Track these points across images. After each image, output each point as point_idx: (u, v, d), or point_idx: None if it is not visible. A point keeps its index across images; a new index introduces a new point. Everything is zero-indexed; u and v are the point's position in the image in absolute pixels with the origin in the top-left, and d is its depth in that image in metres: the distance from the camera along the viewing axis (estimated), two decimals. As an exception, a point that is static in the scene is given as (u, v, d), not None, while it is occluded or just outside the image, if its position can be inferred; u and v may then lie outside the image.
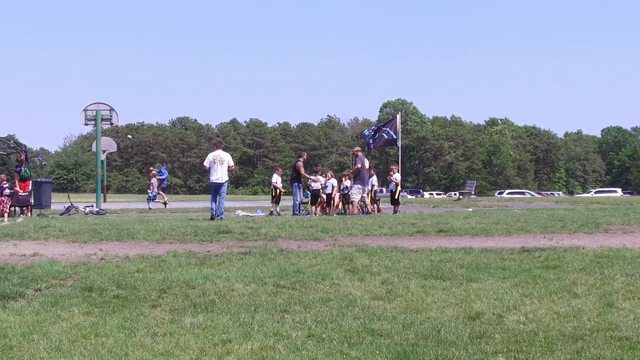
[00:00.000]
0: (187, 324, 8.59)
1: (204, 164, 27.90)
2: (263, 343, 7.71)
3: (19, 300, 10.16)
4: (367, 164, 31.44)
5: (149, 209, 41.25)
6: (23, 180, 32.84)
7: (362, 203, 31.61)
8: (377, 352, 7.39)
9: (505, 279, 11.58)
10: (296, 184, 31.94)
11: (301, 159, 32.27)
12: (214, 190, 27.41)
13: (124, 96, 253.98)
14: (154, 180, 44.88)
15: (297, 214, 30.80)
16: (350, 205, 31.49)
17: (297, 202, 31.87)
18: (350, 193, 31.76)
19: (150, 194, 44.53)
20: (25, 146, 36.28)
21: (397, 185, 33.76)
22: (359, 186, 31.12)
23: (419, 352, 7.36)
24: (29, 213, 32.71)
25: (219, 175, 27.15)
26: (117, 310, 9.38)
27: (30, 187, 32.82)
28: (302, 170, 32.11)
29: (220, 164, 27.15)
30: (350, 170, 33.46)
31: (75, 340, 7.88)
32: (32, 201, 33.02)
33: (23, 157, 34.34)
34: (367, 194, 32.50)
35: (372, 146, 40.43)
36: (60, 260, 14.07)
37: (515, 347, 7.52)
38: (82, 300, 10.04)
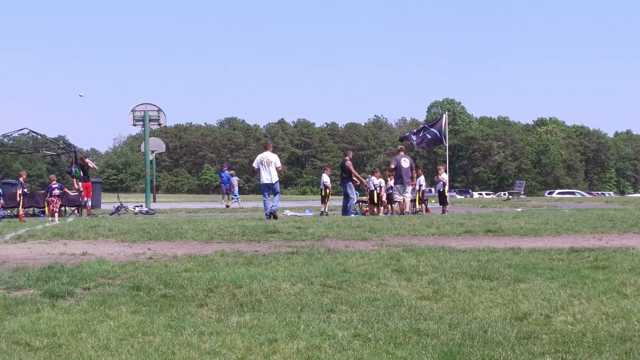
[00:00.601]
0: (233, 323, 8.62)
1: (253, 164, 28.55)
2: (309, 342, 7.72)
3: (67, 299, 10.26)
4: (406, 164, 31.08)
5: (241, 207, 42.00)
6: (84, 180, 33.00)
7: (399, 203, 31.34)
8: (423, 351, 7.36)
9: (554, 280, 11.50)
10: (349, 183, 31.70)
11: (347, 157, 32.08)
12: (265, 190, 27.80)
13: (172, 97, 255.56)
14: (234, 180, 45.44)
15: (351, 214, 30.65)
16: (393, 205, 31.27)
17: (352, 202, 31.68)
18: (392, 193, 31.57)
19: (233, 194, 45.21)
20: (74, 147, 36.58)
21: (444, 185, 33.57)
22: (397, 186, 30.97)
23: (466, 352, 7.33)
24: (80, 212, 32.90)
25: (268, 176, 27.52)
26: (165, 310, 9.44)
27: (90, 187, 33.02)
28: (353, 169, 31.91)
29: (267, 165, 27.57)
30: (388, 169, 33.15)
31: (122, 338, 7.94)
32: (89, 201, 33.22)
33: (73, 157, 34.63)
34: (415, 193, 32.34)
35: (415, 143, 40.36)
36: (109, 259, 14.21)
37: (562, 347, 7.46)
38: (130, 299, 10.11)
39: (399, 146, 34.66)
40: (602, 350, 7.36)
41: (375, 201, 32.15)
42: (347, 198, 31.41)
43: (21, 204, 30.96)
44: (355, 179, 31.85)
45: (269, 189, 27.66)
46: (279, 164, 27.97)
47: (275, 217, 26.79)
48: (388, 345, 7.64)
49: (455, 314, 9.07)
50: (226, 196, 48.01)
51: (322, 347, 7.53)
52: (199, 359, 7.16)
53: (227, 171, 49.29)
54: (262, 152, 28.48)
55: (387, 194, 32.43)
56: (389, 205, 32.02)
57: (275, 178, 27.70)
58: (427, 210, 34.23)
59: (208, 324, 8.61)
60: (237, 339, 7.85)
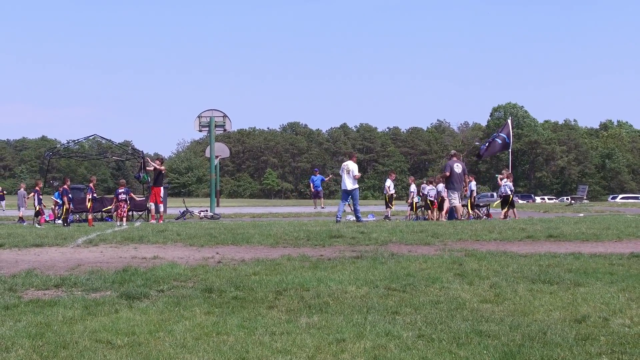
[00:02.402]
0: (302, 324, 9.01)
1: (339, 171, 30.61)
2: (375, 342, 8.07)
3: (143, 301, 10.72)
4: (459, 169, 31.11)
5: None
6: (156, 185, 33.09)
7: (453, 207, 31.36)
8: (485, 352, 7.69)
9: (613, 284, 11.73)
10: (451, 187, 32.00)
11: (456, 160, 31.99)
12: (344, 196, 30.18)
13: (235, 102, 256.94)
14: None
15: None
16: (455, 210, 31.30)
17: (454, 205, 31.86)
18: (448, 199, 31.63)
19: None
20: (142, 152, 37.20)
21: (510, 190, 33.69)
22: (451, 191, 31.07)
23: (525, 352, 7.63)
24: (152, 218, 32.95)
25: (346, 183, 29.47)
26: (236, 311, 9.84)
27: (161, 192, 33.03)
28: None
29: (346, 173, 29.48)
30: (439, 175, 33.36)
31: (198, 338, 8.36)
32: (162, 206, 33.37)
33: (141, 163, 35.15)
34: (467, 198, 32.36)
35: (482, 154, 40.49)
36: (179, 263, 14.68)
37: (619, 349, 7.74)
38: (203, 301, 10.55)
39: (453, 151, 34.81)
40: (658, 351, 7.64)
41: (430, 207, 32.50)
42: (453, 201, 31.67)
43: (90, 208, 31.63)
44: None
45: (347, 194, 29.76)
46: (356, 173, 29.60)
47: (359, 221, 28.61)
48: (451, 345, 7.97)
49: (515, 317, 9.37)
50: (318, 200, 48.13)
51: (387, 347, 7.88)
52: (272, 357, 7.53)
53: (318, 175, 49.52)
54: (346, 161, 30.32)
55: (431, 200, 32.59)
56: (435, 210, 32.15)
57: (351, 185, 29.56)
58: (488, 215, 34.19)
59: (278, 324, 9.00)
60: (307, 339, 8.23)
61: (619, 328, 8.68)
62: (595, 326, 8.80)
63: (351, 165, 29.63)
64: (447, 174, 30.97)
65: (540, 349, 7.73)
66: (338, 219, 28.63)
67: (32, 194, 32.81)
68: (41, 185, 32.29)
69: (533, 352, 7.64)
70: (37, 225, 29.49)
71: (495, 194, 62.44)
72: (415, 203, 35.59)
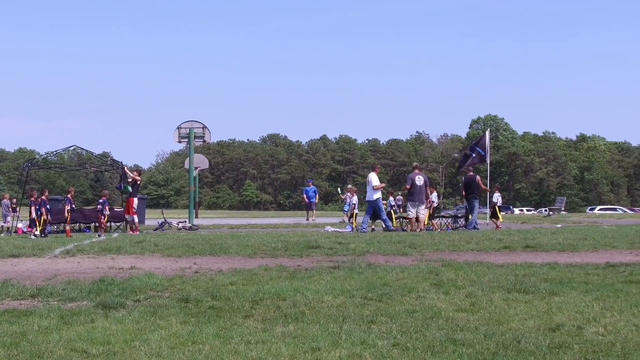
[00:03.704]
0: (278, 332, 9.04)
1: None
2: (350, 351, 8.11)
3: (119, 310, 10.73)
4: (420, 182, 31.21)
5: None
6: (131, 196, 32.93)
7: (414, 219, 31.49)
8: (459, 359, 7.74)
9: (588, 293, 11.81)
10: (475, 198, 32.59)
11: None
12: (369, 208, 31.24)
13: (214, 114, 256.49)
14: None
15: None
16: (409, 223, 31.51)
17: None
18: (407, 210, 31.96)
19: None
20: (121, 162, 37.09)
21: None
22: (410, 203, 31.24)
23: (499, 360, 7.70)
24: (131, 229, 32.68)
25: (367, 194, 30.84)
26: (213, 320, 9.87)
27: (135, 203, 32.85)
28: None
29: (367, 184, 30.93)
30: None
31: (173, 347, 8.37)
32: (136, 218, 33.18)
33: (121, 173, 35.02)
34: (427, 210, 32.42)
35: (460, 167, 40.76)
36: (156, 273, 14.66)
37: (592, 356, 7.81)
38: (179, 311, 10.57)
39: (415, 163, 35.23)
40: (630, 358, 7.71)
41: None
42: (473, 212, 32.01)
43: (69, 219, 31.55)
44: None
45: (370, 205, 30.84)
46: (374, 183, 30.72)
47: (388, 230, 29.96)
48: (425, 353, 8.02)
49: (490, 325, 9.43)
50: (311, 212, 47.97)
51: (363, 355, 7.92)
52: (247, 365, 7.57)
53: (312, 185, 49.38)
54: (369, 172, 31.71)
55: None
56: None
57: (371, 196, 30.81)
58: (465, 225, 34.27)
59: (254, 333, 9.03)
60: (282, 348, 8.26)
61: (593, 336, 8.74)
62: (569, 335, 8.87)
63: (370, 177, 30.90)
64: (408, 186, 31.17)
65: (514, 357, 7.79)
66: (363, 229, 30.03)
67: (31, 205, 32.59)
68: (35, 195, 32.05)
69: (507, 359, 7.69)
70: (32, 236, 29.30)
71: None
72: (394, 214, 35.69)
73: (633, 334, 8.83)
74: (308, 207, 48.26)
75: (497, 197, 34.58)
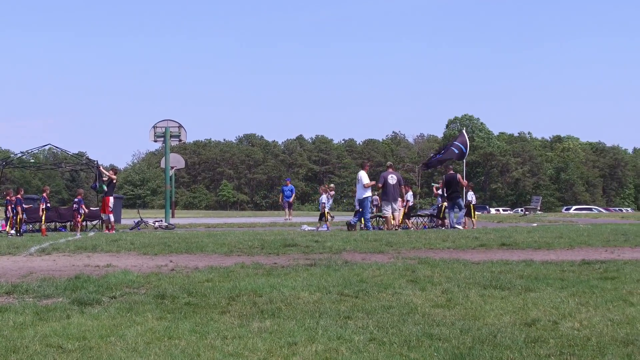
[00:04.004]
0: (255, 328, 9.03)
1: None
2: (327, 346, 8.12)
3: (95, 307, 10.71)
4: (393, 180, 31.24)
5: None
6: (106, 195, 32.74)
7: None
8: (435, 354, 7.76)
9: (563, 289, 11.88)
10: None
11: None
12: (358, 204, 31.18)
13: (191, 113, 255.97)
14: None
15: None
16: (386, 221, 31.62)
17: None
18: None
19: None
20: (97, 161, 36.90)
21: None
22: (383, 202, 31.33)
23: (475, 354, 7.71)
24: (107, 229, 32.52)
25: (357, 192, 31.24)
26: (189, 316, 9.86)
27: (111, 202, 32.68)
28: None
29: (357, 182, 31.01)
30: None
31: (149, 342, 8.36)
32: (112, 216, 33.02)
33: (96, 173, 34.85)
34: (401, 209, 32.46)
35: (430, 162, 40.75)
36: (132, 270, 14.62)
37: (568, 350, 7.84)
38: (155, 307, 10.55)
39: (388, 163, 35.25)
40: (605, 352, 7.75)
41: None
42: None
43: (44, 218, 31.43)
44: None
45: (359, 203, 30.83)
46: (364, 181, 30.68)
47: (367, 229, 30.13)
48: (402, 348, 8.04)
49: (466, 321, 9.47)
50: (288, 211, 47.81)
51: (339, 350, 7.93)
52: (223, 360, 7.56)
53: (289, 185, 49.26)
54: (359, 171, 31.87)
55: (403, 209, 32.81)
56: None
57: (360, 194, 30.80)
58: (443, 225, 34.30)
59: (230, 329, 9.02)
60: (259, 343, 8.26)
61: (569, 331, 8.79)
62: (545, 329, 8.91)
63: (360, 174, 31.00)
64: (380, 185, 31.24)
65: (490, 351, 7.81)
66: (368, 228, 30.37)
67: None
68: (12, 194, 31.77)
69: (483, 354, 7.72)
70: (8, 235, 29.17)
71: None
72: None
73: (608, 329, 8.88)
74: (285, 206, 48.18)
75: (472, 196, 34.62)
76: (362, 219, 30.96)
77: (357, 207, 31.26)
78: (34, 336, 8.63)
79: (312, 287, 12.11)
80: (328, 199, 35.25)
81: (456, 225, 31.13)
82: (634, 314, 9.77)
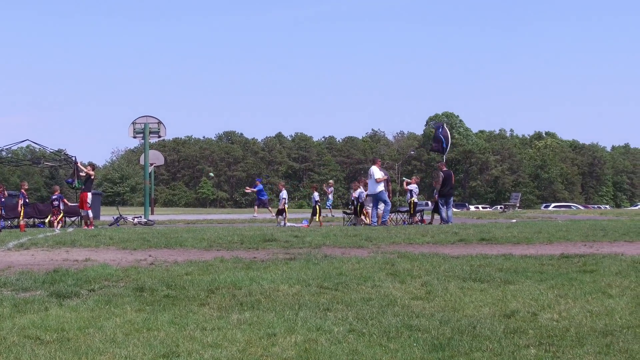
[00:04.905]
0: (234, 320, 9.03)
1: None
2: (306, 336, 8.13)
3: (74, 299, 10.68)
4: (375, 174, 31.41)
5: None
6: (84, 190, 32.55)
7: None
8: (415, 344, 7.78)
9: (542, 282, 11.92)
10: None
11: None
12: (372, 201, 31.24)
13: (170, 111, 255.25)
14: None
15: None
16: (367, 216, 31.78)
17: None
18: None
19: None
20: (75, 157, 36.72)
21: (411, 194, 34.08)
22: (370, 197, 31.42)
23: (454, 345, 7.74)
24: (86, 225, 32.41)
25: (369, 187, 31.25)
26: (168, 308, 9.85)
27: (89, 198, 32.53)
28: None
29: (369, 178, 31.00)
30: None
31: (128, 333, 8.35)
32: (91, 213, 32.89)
33: (74, 168, 34.72)
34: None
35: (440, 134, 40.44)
36: (111, 264, 14.57)
37: (547, 341, 7.88)
38: (134, 299, 10.53)
39: (374, 157, 35.43)
40: (584, 343, 7.79)
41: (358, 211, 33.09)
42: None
43: (22, 214, 31.29)
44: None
45: (374, 199, 30.94)
46: (377, 176, 30.68)
47: (383, 224, 30.24)
48: (381, 339, 8.05)
49: (446, 312, 9.50)
50: (265, 209, 47.95)
51: (318, 341, 7.94)
52: (202, 351, 7.53)
53: (260, 184, 49.36)
54: (370, 166, 31.82)
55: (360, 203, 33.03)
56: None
57: (372, 189, 30.83)
58: (423, 221, 34.37)
59: (210, 320, 9.02)
60: (238, 334, 8.26)
61: (548, 322, 8.83)
62: (524, 320, 8.96)
63: (373, 170, 30.80)
64: (367, 180, 31.42)
65: (469, 342, 7.84)
66: (374, 224, 30.08)
67: None
68: (2, 189, 31.59)
69: (462, 344, 7.76)
70: None
71: (430, 202, 62.48)
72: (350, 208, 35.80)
73: (587, 320, 8.93)
74: (262, 204, 48.23)
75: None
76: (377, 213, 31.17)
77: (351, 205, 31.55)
78: (12, 328, 8.62)
79: (291, 280, 12.11)
80: (327, 195, 35.50)
81: (451, 221, 31.31)
82: (612, 305, 9.82)
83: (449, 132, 38.26)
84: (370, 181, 30.99)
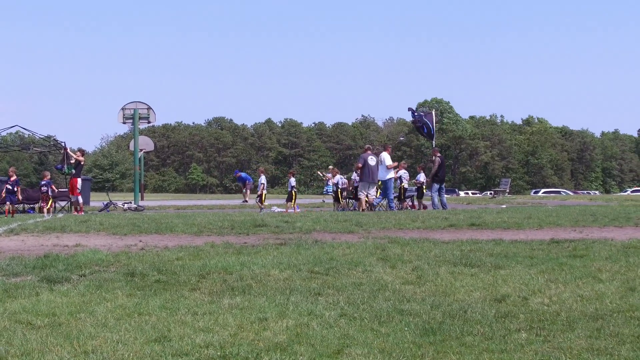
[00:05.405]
0: (225, 304, 9.03)
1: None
2: (298, 321, 8.13)
3: (64, 284, 10.67)
4: (373, 162, 31.42)
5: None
6: (74, 176, 32.50)
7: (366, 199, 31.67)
8: (406, 328, 7.78)
9: (533, 267, 11.94)
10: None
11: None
12: (384, 187, 32.39)
13: (160, 97, 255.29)
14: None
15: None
16: (358, 202, 31.84)
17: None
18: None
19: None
20: (64, 143, 36.62)
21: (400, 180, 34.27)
22: (363, 183, 31.41)
23: (446, 329, 7.75)
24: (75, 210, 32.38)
25: (380, 173, 31.79)
26: (159, 293, 9.84)
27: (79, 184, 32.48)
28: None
29: (380, 164, 31.83)
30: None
31: (119, 318, 8.33)
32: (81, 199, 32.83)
33: (63, 154, 34.62)
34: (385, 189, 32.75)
35: (415, 118, 40.51)
36: (102, 249, 14.56)
37: (538, 325, 7.89)
38: (125, 284, 10.52)
39: (367, 145, 35.52)
40: (575, 327, 7.79)
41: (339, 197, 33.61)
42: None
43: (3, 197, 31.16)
44: None
45: (384, 184, 31.85)
46: (387, 162, 31.69)
47: (391, 209, 31.12)
48: (372, 323, 8.06)
49: (437, 297, 9.51)
50: (245, 193, 47.94)
51: (310, 325, 7.94)
52: (194, 335, 7.52)
53: (241, 174, 49.42)
54: (381, 152, 32.61)
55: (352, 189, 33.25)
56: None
57: (384, 175, 31.78)
58: (412, 206, 34.44)
59: (201, 305, 9.02)
60: (229, 318, 8.25)
61: (538, 306, 8.85)
62: (515, 305, 8.97)
63: (384, 156, 31.53)
64: (360, 165, 31.47)
65: (460, 326, 7.85)
66: (392, 208, 31.19)
67: None
68: None
69: (453, 328, 7.76)
70: None
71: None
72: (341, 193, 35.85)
73: (577, 304, 8.95)
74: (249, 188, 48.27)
75: (423, 177, 34.61)
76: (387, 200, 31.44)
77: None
78: (3, 313, 8.60)
79: (282, 265, 12.11)
80: (327, 181, 35.75)
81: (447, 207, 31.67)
82: (603, 290, 9.84)
83: (433, 117, 38.36)
84: (381, 167, 31.34)
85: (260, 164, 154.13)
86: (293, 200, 34.82)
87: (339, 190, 34.96)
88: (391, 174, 31.08)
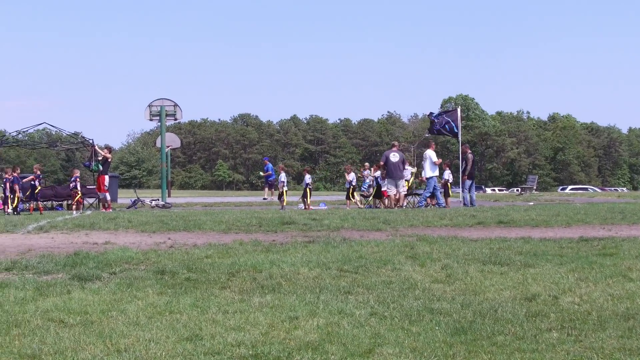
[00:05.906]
0: (255, 303, 9.06)
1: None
2: (328, 320, 8.14)
3: (95, 282, 10.75)
4: (395, 158, 31.26)
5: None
6: (102, 173, 32.59)
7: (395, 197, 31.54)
8: (437, 327, 7.78)
9: (562, 265, 11.92)
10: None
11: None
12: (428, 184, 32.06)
13: (186, 93, 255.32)
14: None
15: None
16: (387, 200, 31.68)
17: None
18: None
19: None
20: (92, 140, 36.75)
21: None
22: (388, 180, 31.30)
23: (476, 328, 7.74)
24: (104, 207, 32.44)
25: (425, 170, 31.94)
26: (189, 291, 9.89)
27: (106, 181, 32.57)
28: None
29: (425, 161, 32.23)
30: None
31: (151, 316, 8.38)
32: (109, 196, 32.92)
33: (91, 151, 34.73)
34: (410, 187, 32.85)
35: (435, 127, 40.37)
36: (131, 247, 14.63)
37: (569, 324, 7.88)
38: (156, 282, 10.58)
39: (393, 142, 35.53)
40: (606, 327, 7.77)
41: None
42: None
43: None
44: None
45: (428, 181, 31.74)
46: (433, 159, 31.79)
47: (439, 206, 31.01)
48: (403, 322, 8.06)
49: (467, 296, 9.51)
50: (268, 190, 47.62)
51: (340, 324, 7.95)
52: (225, 334, 7.55)
53: (268, 163, 48.99)
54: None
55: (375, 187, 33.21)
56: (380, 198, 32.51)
57: (430, 173, 31.67)
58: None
59: (232, 303, 9.06)
60: (260, 317, 8.28)
61: (569, 306, 8.83)
62: (545, 304, 8.96)
63: (430, 153, 31.74)
64: (382, 163, 31.45)
65: (491, 325, 7.84)
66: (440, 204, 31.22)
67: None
68: (10, 172, 31.58)
69: (484, 327, 7.75)
70: (5, 213, 29.10)
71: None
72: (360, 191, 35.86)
73: (608, 304, 8.93)
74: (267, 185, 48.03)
75: (449, 175, 34.46)
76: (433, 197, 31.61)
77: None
78: (35, 311, 8.67)
79: (311, 263, 12.15)
80: (364, 179, 35.66)
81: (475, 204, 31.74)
82: (633, 289, 9.82)
83: (458, 115, 38.24)
84: (425, 164, 31.61)
85: (286, 160, 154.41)
86: (308, 197, 34.73)
87: (352, 187, 34.97)
88: (435, 172, 31.17)
